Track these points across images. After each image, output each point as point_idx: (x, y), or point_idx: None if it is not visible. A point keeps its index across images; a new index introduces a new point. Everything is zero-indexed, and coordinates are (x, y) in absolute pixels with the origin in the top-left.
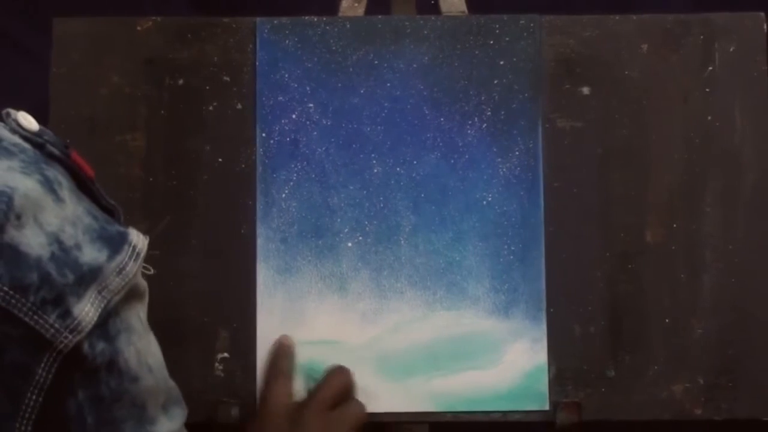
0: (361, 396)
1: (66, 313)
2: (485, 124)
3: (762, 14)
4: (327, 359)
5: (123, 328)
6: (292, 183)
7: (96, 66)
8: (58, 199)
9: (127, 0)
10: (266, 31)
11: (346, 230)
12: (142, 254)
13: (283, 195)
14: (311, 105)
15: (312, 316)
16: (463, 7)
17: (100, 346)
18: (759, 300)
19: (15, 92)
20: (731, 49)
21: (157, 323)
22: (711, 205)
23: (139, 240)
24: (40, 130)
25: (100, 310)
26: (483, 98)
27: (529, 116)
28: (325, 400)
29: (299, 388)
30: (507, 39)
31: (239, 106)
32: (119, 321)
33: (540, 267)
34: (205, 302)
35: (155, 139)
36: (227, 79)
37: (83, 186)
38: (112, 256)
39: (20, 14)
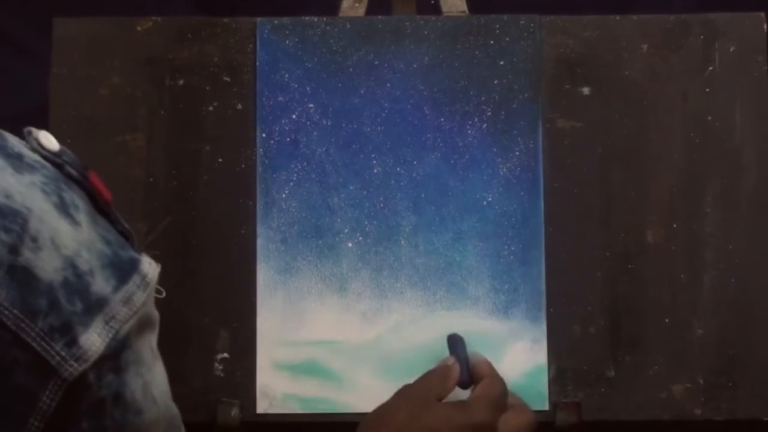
0: (361, 396)
1: (72, 342)
2: (485, 125)
3: (762, 14)
4: (327, 359)
5: (133, 360)
6: (292, 183)
7: (96, 66)
8: (75, 223)
9: (128, 0)
10: (266, 31)
11: (346, 230)
12: (152, 283)
13: (284, 195)
14: (311, 105)
15: (312, 316)
16: (464, 7)
17: (109, 377)
18: (759, 300)
19: (15, 92)
20: (731, 49)
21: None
22: (711, 205)
23: (150, 269)
24: (60, 150)
25: (108, 340)
26: (483, 98)
27: (529, 116)
28: (498, 404)
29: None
30: (507, 39)
31: (239, 107)
32: (131, 353)
33: (540, 267)
34: (206, 302)
35: (155, 140)
36: (227, 79)
37: (100, 209)
38: (118, 286)
39: (20, 14)
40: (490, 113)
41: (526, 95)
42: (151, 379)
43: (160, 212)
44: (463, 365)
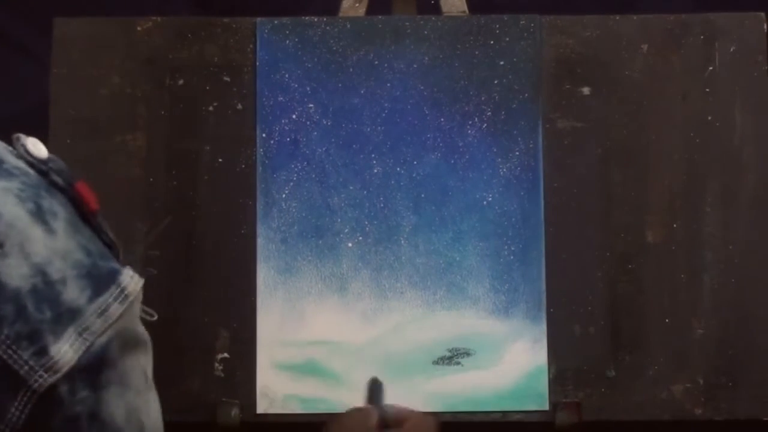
0: (361, 396)
1: (42, 351)
2: (485, 124)
3: (762, 14)
4: (327, 359)
5: (116, 381)
6: (292, 183)
7: (96, 66)
8: (50, 231)
9: (127, 0)
10: (266, 31)
11: (347, 230)
12: (132, 297)
13: (284, 195)
14: (311, 105)
15: (312, 316)
16: (464, 8)
17: (83, 393)
18: (759, 300)
19: (15, 92)
20: (731, 49)
21: (158, 323)
22: (711, 205)
23: (130, 282)
24: (48, 158)
25: (80, 352)
26: (483, 98)
27: (529, 116)
28: None
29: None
30: (507, 39)
31: (239, 106)
32: (114, 373)
33: (540, 267)
34: (206, 302)
35: (155, 140)
36: (227, 79)
37: (85, 219)
38: (93, 297)
39: (20, 14)
40: (490, 113)
41: (526, 95)
42: (140, 407)
43: (160, 212)
44: (381, 410)
